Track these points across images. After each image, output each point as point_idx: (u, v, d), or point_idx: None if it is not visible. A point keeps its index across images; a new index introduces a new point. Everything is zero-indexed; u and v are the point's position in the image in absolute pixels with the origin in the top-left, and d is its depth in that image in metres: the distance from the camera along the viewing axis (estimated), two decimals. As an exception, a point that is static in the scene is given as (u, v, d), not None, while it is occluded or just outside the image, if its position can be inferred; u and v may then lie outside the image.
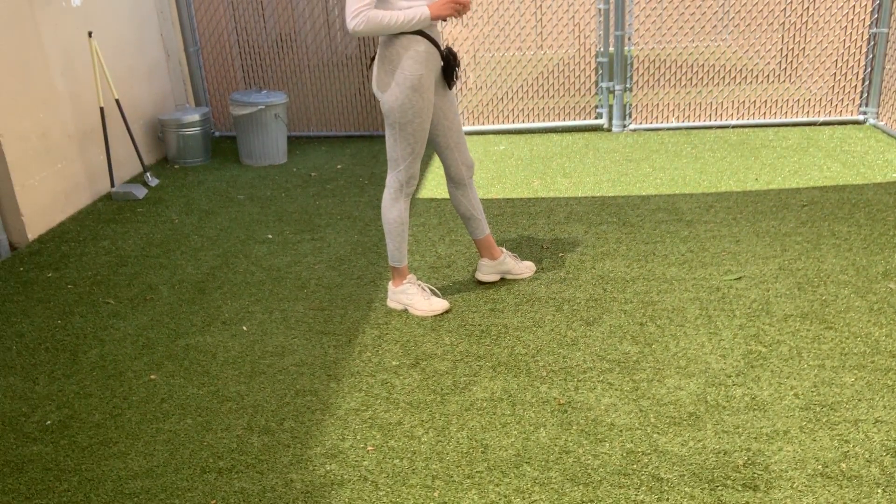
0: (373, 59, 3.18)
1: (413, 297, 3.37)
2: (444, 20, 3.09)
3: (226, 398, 2.84)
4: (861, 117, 6.00)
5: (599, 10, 5.99)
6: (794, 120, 6.07)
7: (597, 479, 2.32)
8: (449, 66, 3.15)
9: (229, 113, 6.42)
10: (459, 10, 3.03)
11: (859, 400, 2.62)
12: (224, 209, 4.87)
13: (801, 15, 5.91)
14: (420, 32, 3.03)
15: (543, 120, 6.32)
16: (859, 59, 5.89)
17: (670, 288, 3.48)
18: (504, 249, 3.62)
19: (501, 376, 2.88)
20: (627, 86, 6.14)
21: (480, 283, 3.64)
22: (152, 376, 3.01)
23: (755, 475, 2.30)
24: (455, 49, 6.18)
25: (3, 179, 4.31)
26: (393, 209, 3.28)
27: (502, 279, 3.65)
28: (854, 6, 5.77)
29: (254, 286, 3.74)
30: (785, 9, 5.92)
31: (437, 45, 3.09)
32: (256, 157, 5.81)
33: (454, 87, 3.24)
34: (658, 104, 6.17)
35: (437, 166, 5.46)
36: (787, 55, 6.02)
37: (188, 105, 6.44)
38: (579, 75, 6.18)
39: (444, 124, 3.28)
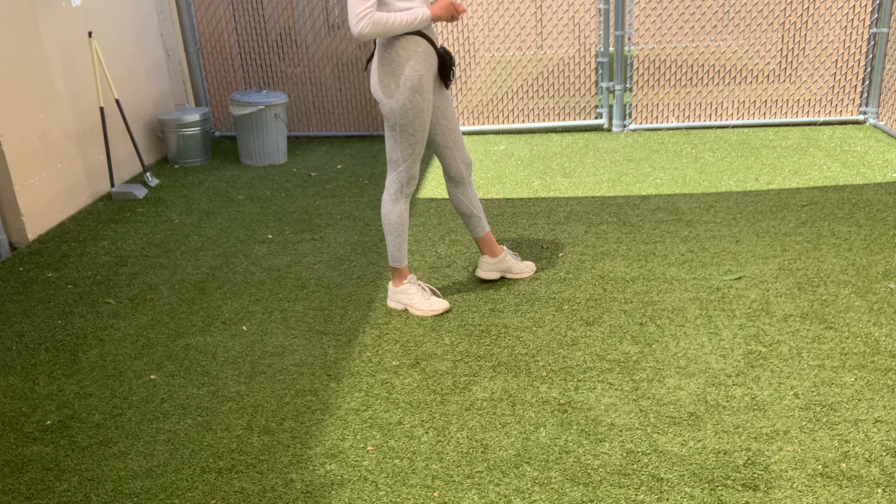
0: (369, 60, 3.18)
1: (413, 297, 3.37)
2: (454, 21, 3.10)
3: (226, 398, 2.84)
4: (861, 117, 6.00)
5: (599, 10, 5.99)
6: (794, 120, 6.07)
7: (597, 479, 2.32)
8: (445, 66, 3.16)
9: (229, 113, 6.42)
10: (455, 14, 3.06)
11: (859, 400, 2.62)
12: (224, 209, 4.87)
13: (801, 15, 5.91)
14: (418, 33, 3.04)
15: (543, 120, 6.31)
16: (859, 59, 5.88)
17: (670, 288, 3.48)
18: (505, 248, 3.63)
19: (501, 376, 2.88)
20: (627, 86, 6.14)
21: (481, 280, 3.64)
22: (152, 376, 3.01)
23: (755, 475, 2.30)
24: (455, 49, 6.18)
25: (3, 179, 4.32)
26: (393, 210, 3.28)
27: (502, 278, 3.65)
28: (854, 6, 5.77)
29: (254, 286, 3.74)
30: (785, 9, 5.92)
31: (434, 44, 3.09)
32: (256, 157, 5.81)
33: (451, 87, 3.25)
34: (658, 104, 6.17)
35: (436, 166, 5.45)
36: (787, 55, 6.02)
37: (188, 105, 6.43)
38: (579, 75, 6.18)
39: (443, 123, 3.28)
